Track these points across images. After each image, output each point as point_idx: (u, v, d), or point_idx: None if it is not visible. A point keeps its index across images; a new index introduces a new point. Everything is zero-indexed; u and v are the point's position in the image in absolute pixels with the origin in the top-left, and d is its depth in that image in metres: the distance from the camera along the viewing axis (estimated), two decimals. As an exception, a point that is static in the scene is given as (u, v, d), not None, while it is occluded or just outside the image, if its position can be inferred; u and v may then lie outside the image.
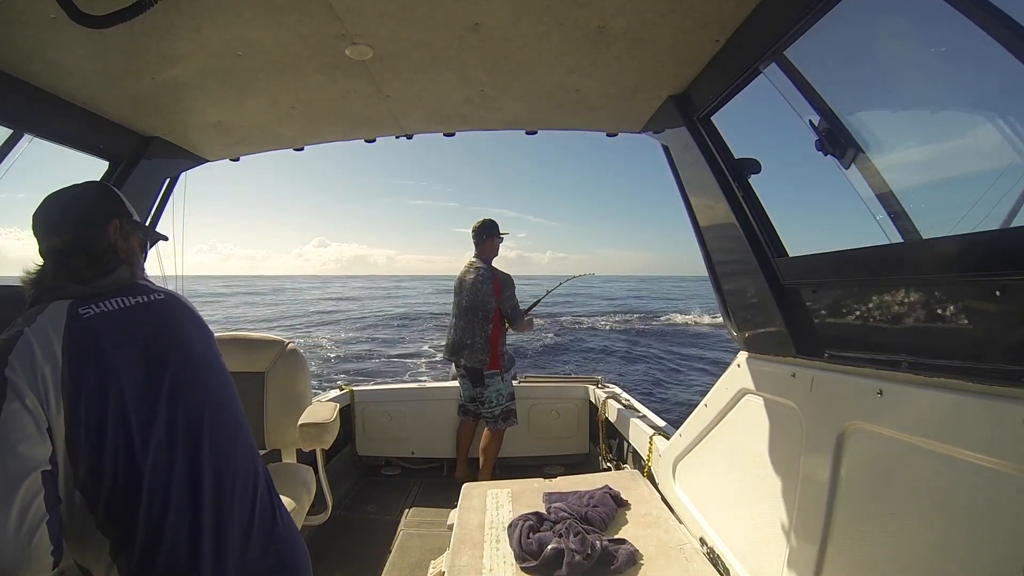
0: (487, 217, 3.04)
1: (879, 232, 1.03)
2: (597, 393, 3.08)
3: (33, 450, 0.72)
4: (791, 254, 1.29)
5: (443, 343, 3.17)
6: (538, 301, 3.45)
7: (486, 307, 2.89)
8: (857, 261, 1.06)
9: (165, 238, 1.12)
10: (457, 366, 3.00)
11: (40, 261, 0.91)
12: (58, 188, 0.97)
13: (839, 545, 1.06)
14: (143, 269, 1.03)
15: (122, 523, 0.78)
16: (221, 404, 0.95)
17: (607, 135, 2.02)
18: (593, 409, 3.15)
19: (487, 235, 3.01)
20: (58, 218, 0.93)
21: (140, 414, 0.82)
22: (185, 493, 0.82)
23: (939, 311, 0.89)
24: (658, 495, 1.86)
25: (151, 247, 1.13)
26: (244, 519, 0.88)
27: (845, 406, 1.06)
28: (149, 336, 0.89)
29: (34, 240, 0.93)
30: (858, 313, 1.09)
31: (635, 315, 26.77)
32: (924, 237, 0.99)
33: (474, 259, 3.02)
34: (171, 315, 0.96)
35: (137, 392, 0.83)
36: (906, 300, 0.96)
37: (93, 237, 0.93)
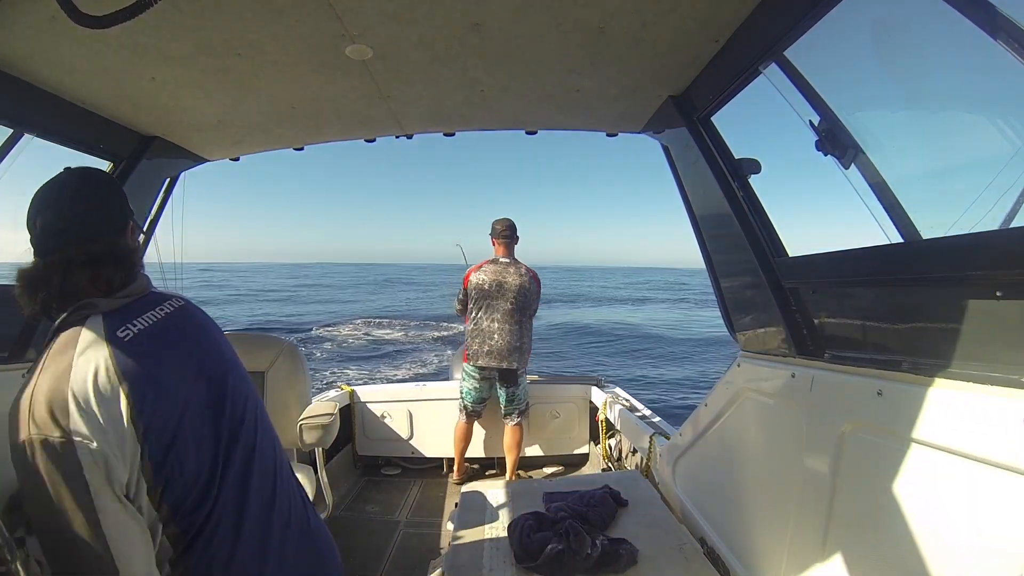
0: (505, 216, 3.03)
1: (879, 232, 1.03)
2: (597, 393, 3.09)
3: (128, 511, 0.69)
4: (791, 254, 1.29)
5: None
6: None
7: (532, 308, 2.93)
8: (857, 261, 1.06)
9: (142, 231, 1.03)
10: (487, 370, 2.85)
11: (31, 263, 0.77)
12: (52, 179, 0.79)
13: (839, 545, 1.06)
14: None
15: (186, 529, 0.75)
16: (260, 406, 0.94)
17: (607, 135, 2.02)
18: (593, 409, 3.15)
19: (517, 234, 3.00)
20: (99, 221, 0.80)
21: (203, 427, 0.79)
22: (236, 496, 0.80)
23: (939, 311, 0.89)
24: (658, 495, 1.86)
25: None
26: (283, 517, 0.87)
27: (845, 406, 1.06)
28: (189, 348, 0.84)
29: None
30: (858, 313, 1.09)
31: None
32: (924, 237, 0.99)
33: (506, 259, 2.93)
34: (198, 323, 0.91)
35: (198, 406, 0.79)
36: (906, 300, 0.96)
37: (123, 243, 0.81)
